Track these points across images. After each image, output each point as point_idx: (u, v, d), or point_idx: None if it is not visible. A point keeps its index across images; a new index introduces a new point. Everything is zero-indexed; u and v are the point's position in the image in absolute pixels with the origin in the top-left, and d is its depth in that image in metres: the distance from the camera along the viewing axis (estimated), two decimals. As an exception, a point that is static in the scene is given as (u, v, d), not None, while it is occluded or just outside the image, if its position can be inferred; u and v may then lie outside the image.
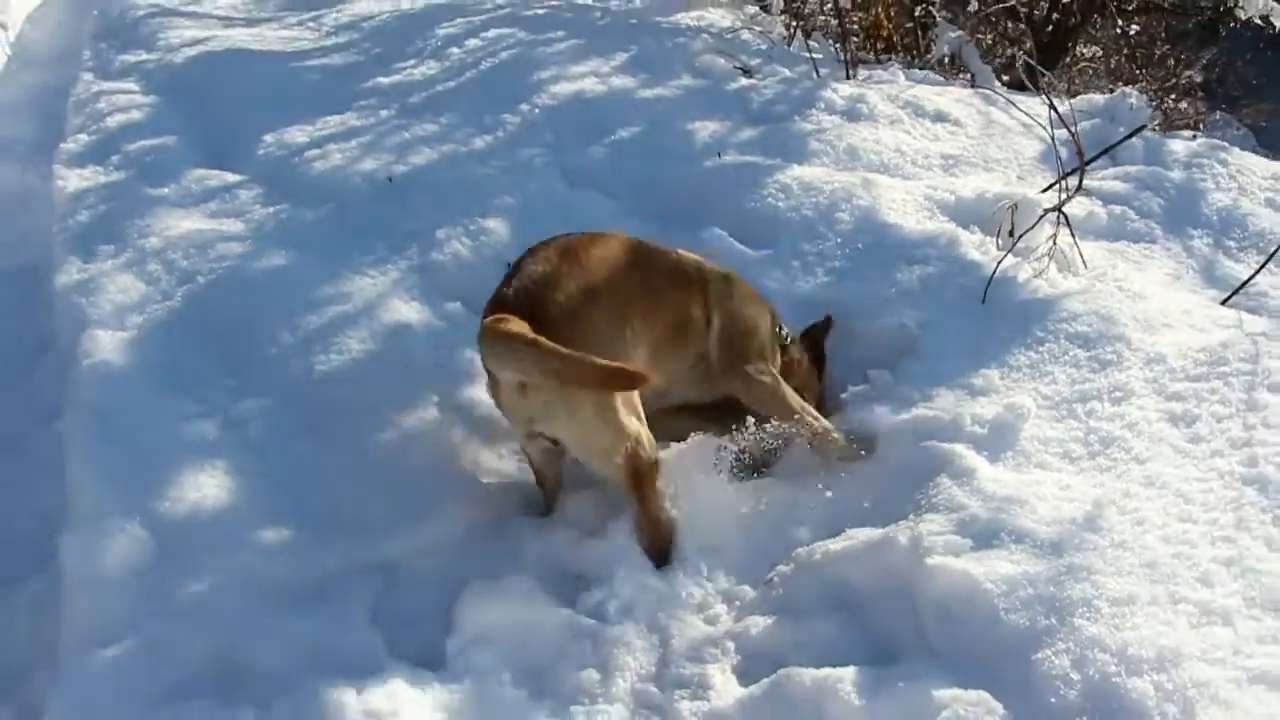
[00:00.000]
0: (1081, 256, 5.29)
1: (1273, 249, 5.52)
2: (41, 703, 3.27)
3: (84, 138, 7.56)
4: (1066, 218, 5.28)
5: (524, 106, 6.80)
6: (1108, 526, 3.47)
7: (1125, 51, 12.48)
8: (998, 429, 4.05)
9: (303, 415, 4.30)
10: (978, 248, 5.21)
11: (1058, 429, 4.06)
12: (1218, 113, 13.77)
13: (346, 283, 5.05)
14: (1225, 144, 7.05)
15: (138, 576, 3.61)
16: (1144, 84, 12.68)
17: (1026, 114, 6.81)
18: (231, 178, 6.40)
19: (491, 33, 8.62)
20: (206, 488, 3.95)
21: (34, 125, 9.27)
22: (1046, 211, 5.27)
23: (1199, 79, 15.22)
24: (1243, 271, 5.52)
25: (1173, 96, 13.11)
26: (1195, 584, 3.23)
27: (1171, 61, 14.30)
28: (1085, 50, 12.70)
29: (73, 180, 6.74)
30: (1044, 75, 7.34)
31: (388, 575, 3.72)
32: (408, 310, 4.86)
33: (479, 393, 4.42)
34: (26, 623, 3.88)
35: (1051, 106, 5.79)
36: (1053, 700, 2.98)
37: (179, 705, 3.20)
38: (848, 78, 7.90)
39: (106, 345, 4.76)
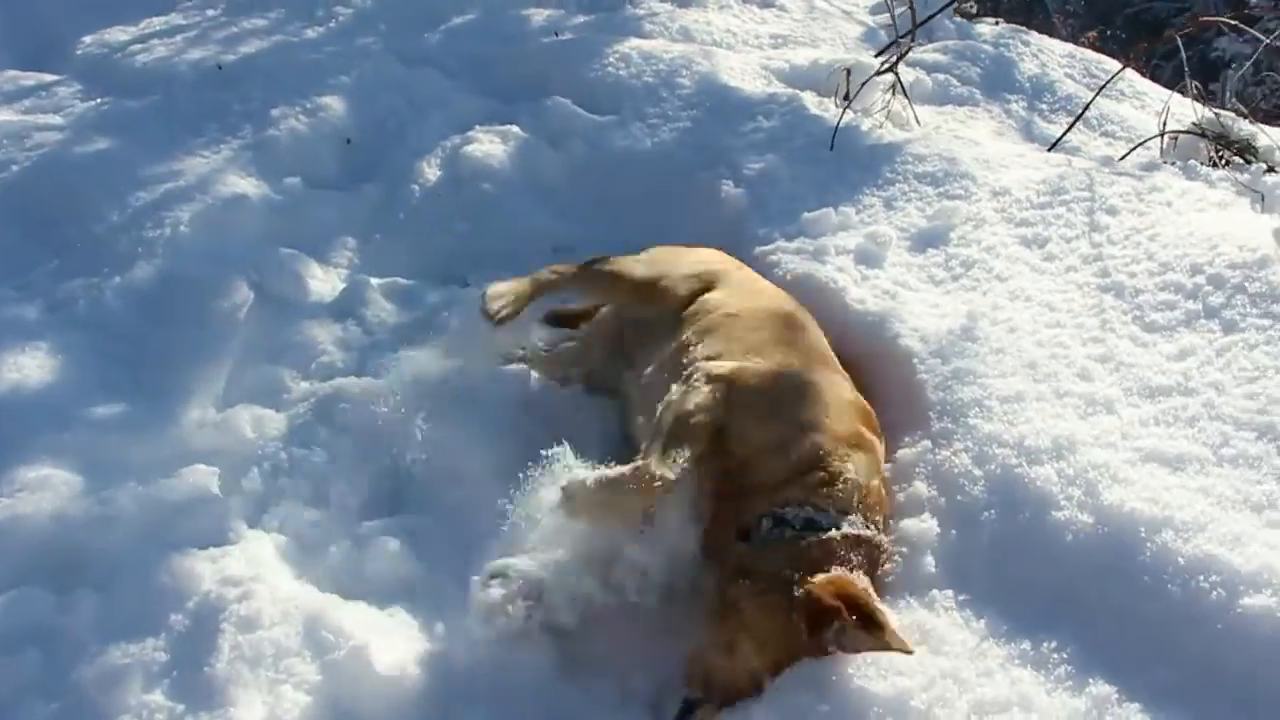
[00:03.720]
0: (915, 115, 5.04)
1: (1078, 111, 5.38)
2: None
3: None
4: (899, 77, 5.00)
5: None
6: (983, 335, 3.20)
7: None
8: (862, 257, 3.72)
9: (135, 290, 3.62)
10: (818, 106, 4.87)
11: (918, 257, 3.76)
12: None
13: (176, 162, 4.35)
14: (1023, 27, 6.96)
15: (-49, 464, 2.91)
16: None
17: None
18: (48, 77, 5.49)
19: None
20: (28, 368, 3.27)
21: None
22: (880, 71, 4.99)
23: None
24: (1056, 131, 5.38)
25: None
26: (1076, 379, 2.97)
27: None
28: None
29: None
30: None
31: (238, 445, 3.11)
32: (244, 184, 4.20)
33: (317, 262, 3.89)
34: None
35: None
36: (959, 498, 2.64)
37: (4, 597, 2.56)
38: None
39: (-96, 240, 3.93)
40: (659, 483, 2.47)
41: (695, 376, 2.75)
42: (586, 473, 2.51)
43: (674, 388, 2.78)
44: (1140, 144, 4.82)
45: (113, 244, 3.86)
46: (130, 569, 2.60)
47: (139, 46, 5.62)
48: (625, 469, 2.51)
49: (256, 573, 2.57)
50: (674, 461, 2.51)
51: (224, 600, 2.47)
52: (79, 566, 2.64)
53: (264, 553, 2.70)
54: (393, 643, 2.49)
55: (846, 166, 4.32)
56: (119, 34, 5.86)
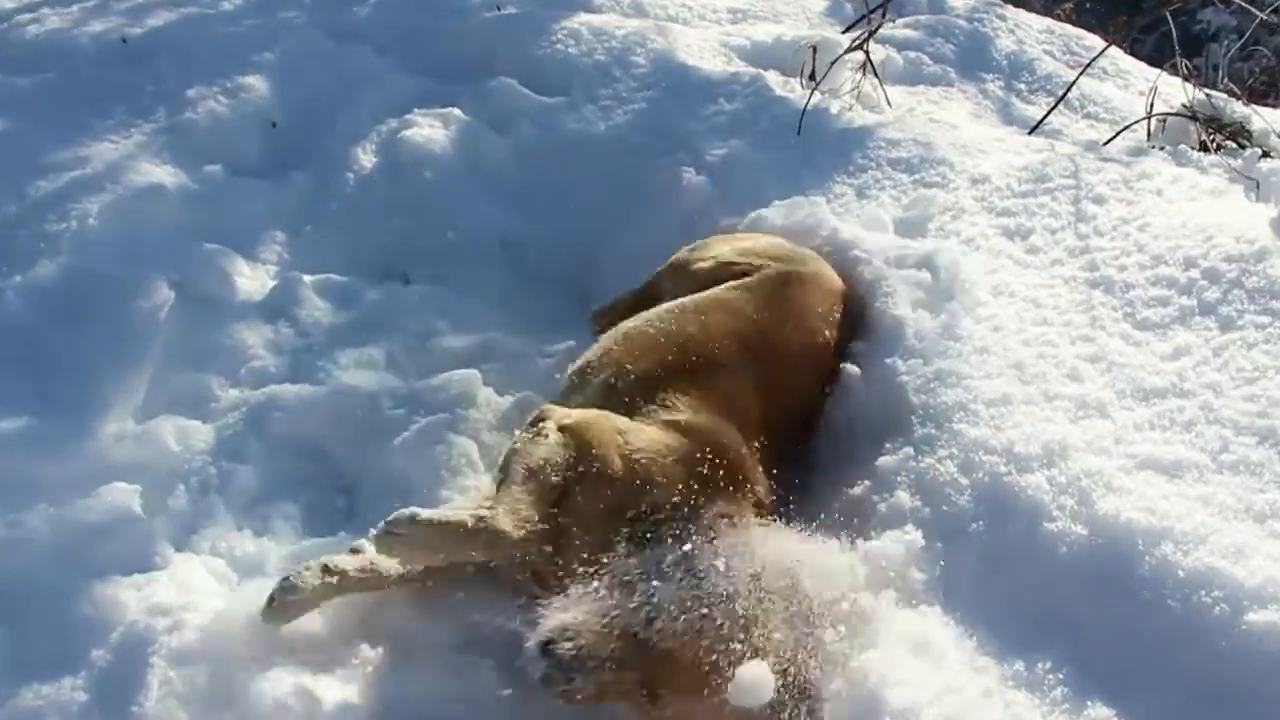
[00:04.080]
0: (886, 96, 5.11)
1: (1059, 92, 5.48)
2: None
3: None
4: (869, 55, 5.07)
5: (275, -32, 5.99)
6: (966, 334, 3.25)
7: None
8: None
9: (38, 290, 3.55)
10: (783, 86, 4.93)
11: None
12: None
13: (81, 148, 4.26)
14: (998, 0, 7.06)
15: None
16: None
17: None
18: (-86, 54, 5.33)
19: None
20: (-87, 384, 3.20)
21: None
22: (849, 49, 5.06)
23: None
24: (1036, 112, 5.46)
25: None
26: (1065, 380, 3.03)
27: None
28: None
29: None
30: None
31: (162, 460, 3.08)
32: (159, 172, 4.15)
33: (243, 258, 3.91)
34: None
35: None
36: (945, 509, 2.69)
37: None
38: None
39: None
40: (501, 539, 2.47)
41: (544, 421, 2.73)
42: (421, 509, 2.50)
43: (518, 430, 2.78)
44: (1126, 127, 4.92)
45: (9, 239, 3.78)
46: (44, 599, 2.57)
47: (28, 16, 5.45)
48: (466, 516, 2.49)
49: (188, 600, 2.55)
50: (521, 519, 2.50)
51: (153, 631, 2.45)
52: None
53: (195, 578, 2.68)
54: (341, 672, 2.49)
55: (815, 152, 4.39)
56: (2, 1, 5.72)
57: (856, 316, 3.37)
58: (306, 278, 3.89)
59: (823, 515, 2.76)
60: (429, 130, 4.50)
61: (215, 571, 2.77)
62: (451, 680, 2.55)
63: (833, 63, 4.91)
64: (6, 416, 3.13)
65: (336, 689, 2.47)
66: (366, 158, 4.47)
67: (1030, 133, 5.01)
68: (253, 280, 3.87)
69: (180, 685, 2.36)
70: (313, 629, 2.63)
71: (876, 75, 5.10)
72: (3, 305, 3.50)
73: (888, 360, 3.17)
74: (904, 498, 2.78)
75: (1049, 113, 5.16)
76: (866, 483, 2.89)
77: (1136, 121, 4.98)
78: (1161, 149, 4.67)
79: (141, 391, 3.28)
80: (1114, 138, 4.86)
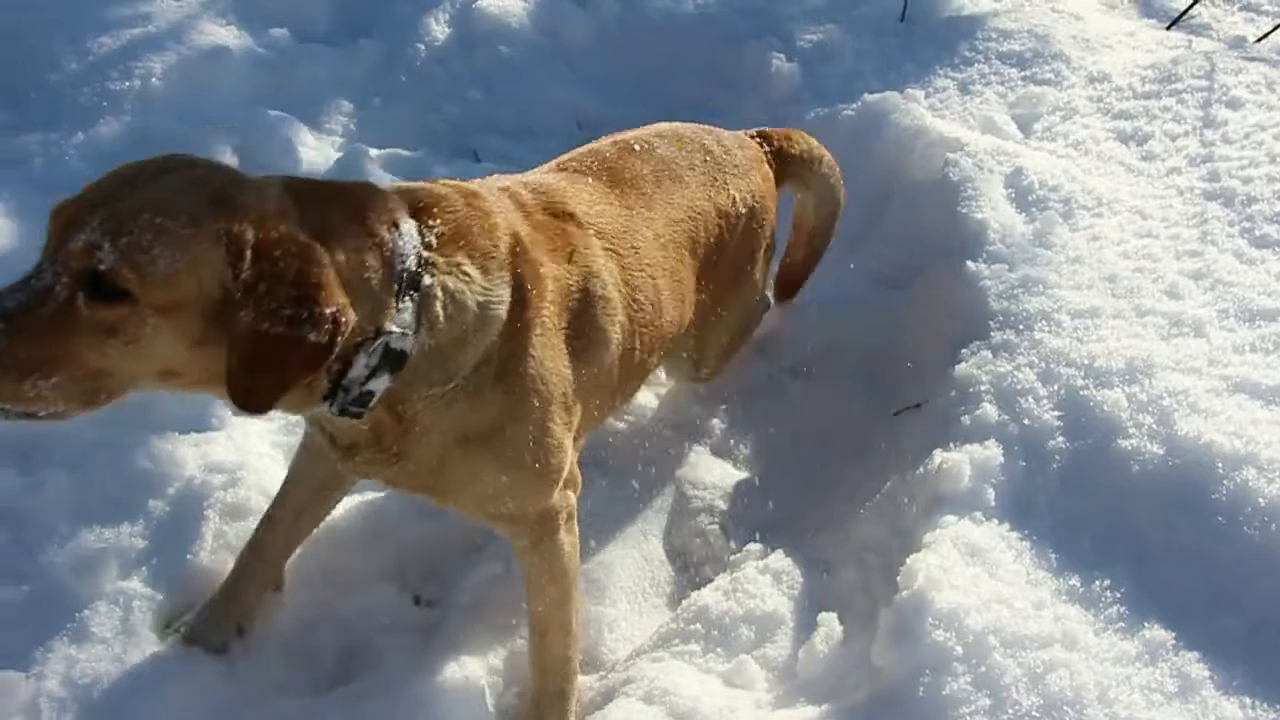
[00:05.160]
0: (1005, -19, 5.13)
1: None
2: None
3: None
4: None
5: None
6: (1060, 242, 3.36)
7: None
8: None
9: (100, 148, 3.82)
10: (890, -33, 4.98)
11: (993, 148, 3.92)
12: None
13: (143, 4, 4.52)
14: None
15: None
16: None
17: None
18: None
19: None
20: (-17, 232, 3.48)
21: None
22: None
23: None
24: (1183, 2, 5.39)
25: None
26: (1162, 296, 3.13)
27: None
28: None
29: None
30: None
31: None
32: (223, 34, 4.39)
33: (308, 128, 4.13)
34: None
35: None
36: (1026, 422, 2.82)
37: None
38: None
39: None
40: None
41: None
42: None
43: None
44: (1287, 20, 4.84)
45: (73, 96, 4.05)
46: (104, 450, 2.83)
47: None
48: None
49: (243, 460, 2.82)
50: None
51: (209, 487, 2.73)
52: (47, 447, 2.86)
53: (250, 441, 2.95)
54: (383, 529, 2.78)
55: (919, 41, 4.51)
56: None
57: (944, 219, 3.50)
58: (373, 151, 4.10)
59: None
60: (505, 1, 4.66)
61: (269, 436, 3.04)
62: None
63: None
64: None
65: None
66: (439, 28, 4.65)
67: (1170, 27, 4.97)
68: (317, 151, 4.09)
69: (234, 539, 2.64)
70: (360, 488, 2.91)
71: (996, -44, 5.10)
72: (66, 163, 3.77)
73: (970, 264, 3.28)
74: (989, 410, 2.86)
75: (1188, 9, 5.08)
76: (952, 393, 3.00)
77: (1303, 14, 4.90)
78: (1328, 46, 4.61)
79: (203, 260, 3.53)
80: (1270, 33, 4.77)
